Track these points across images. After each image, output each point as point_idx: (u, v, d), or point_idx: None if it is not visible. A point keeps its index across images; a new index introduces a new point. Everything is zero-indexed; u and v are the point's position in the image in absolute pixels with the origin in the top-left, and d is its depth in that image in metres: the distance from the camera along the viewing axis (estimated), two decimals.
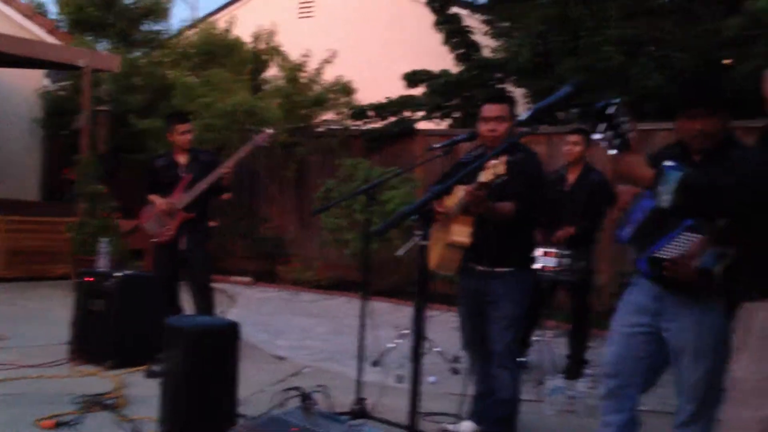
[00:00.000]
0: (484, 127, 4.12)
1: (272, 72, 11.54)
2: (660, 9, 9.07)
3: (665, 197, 2.24)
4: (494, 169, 3.50)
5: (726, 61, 8.18)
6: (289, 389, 3.86)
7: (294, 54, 11.18)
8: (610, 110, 2.29)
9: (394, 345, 6.07)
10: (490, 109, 4.12)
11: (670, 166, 2.27)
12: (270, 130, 6.00)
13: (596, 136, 2.34)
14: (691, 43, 8.61)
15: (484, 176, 3.53)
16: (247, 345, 6.33)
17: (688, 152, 3.17)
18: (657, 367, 3.41)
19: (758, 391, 2.20)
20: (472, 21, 11.37)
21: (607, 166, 5.71)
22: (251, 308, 8.65)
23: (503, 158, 3.41)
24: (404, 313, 8.16)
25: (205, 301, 5.85)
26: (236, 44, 11.19)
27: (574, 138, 5.93)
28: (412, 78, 10.81)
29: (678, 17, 8.85)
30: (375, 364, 5.53)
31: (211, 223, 6.47)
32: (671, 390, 3.35)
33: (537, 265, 5.46)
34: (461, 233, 3.96)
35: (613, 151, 2.35)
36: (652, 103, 8.41)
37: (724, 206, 2.24)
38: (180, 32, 12.81)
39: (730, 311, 2.45)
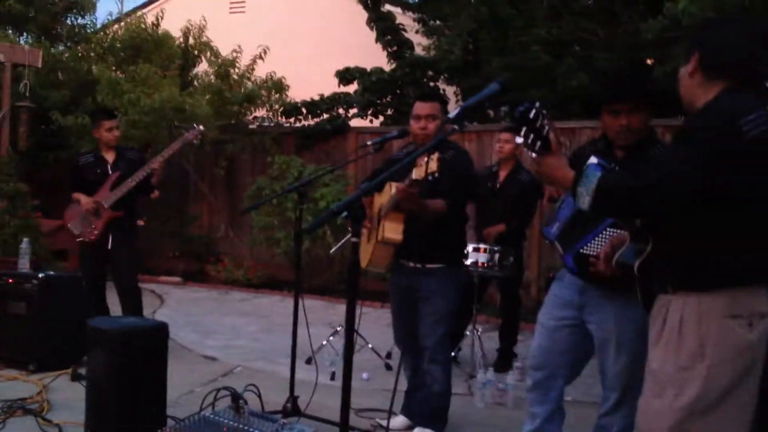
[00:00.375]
0: (415, 125, 4.15)
1: (202, 68, 11.36)
2: (585, 10, 9.27)
3: (584, 199, 2.27)
4: (427, 166, 3.52)
5: (648, 62, 8.40)
6: (220, 389, 3.81)
7: (225, 50, 11.03)
8: (531, 113, 2.30)
9: (326, 342, 6.06)
10: (421, 107, 4.16)
11: (591, 166, 2.30)
12: (200, 127, 5.92)
13: (519, 140, 2.36)
14: (615, 43, 8.83)
15: (416, 173, 3.56)
16: (177, 346, 6.24)
17: (612, 148, 3.26)
18: (581, 359, 3.50)
19: (674, 382, 2.25)
20: (404, 19, 11.42)
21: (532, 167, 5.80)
22: (181, 308, 8.52)
23: (436, 155, 3.44)
24: (337, 310, 8.16)
25: (132, 301, 5.74)
26: (164, 39, 10.95)
27: (505, 136, 6.02)
28: (345, 75, 10.80)
29: (602, 19, 9.05)
30: (308, 361, 5.51)
31: (139, 222, 6.34)
32: (595, 380, 3.45)
33: (468, 261, 5.53)
34: (393, 230, 3.98)
35: (534, 154, 2.37)
36: (577, 103, 8.59)
37: (638, 209, 2.29)
38: (106, 26, 12.50)
39: (646, 303, 2.50)
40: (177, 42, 11.16)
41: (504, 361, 5.90)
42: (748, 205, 2.21)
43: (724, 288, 2.24)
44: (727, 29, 2.44)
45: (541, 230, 6.57)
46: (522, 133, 2.33)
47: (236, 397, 3.67)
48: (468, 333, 5.97)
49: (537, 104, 2.32)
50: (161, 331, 4.02)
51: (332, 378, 5.35)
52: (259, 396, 4.02)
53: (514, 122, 2.36)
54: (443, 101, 4.36)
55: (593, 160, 2.44)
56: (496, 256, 5.61)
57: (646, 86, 3.39)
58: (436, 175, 3.53)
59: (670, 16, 7.47)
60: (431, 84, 10.61)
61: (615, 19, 9.07)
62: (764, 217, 2.24)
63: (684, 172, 2.16)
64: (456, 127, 2.58)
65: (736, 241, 2.23)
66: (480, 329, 6.14)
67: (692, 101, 2.40)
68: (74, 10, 12.71)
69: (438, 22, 11.05)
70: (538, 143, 2.34)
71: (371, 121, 11.01)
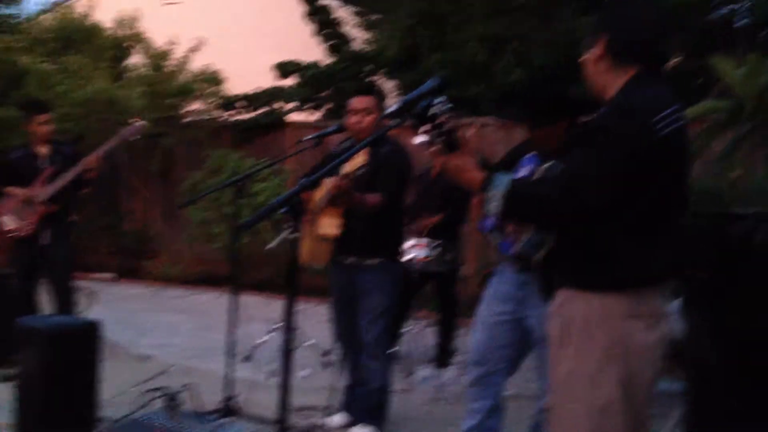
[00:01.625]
0: (350, 120, 4.15)
1: (135, 60, 11.12)
2: (522, 7, 9.36)
3: (494, 204, 2.18)
4: (357, 160, 3.54)
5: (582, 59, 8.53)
6: (154, 389, 3.74)
7: (159, 41, 10.81)
8: (434, 110, 2.18)
9: (265, 340, 6.00)
10: (356, 102, 4.17)
11: (501, 174, 2.22)
12: (141, 123, 5.78)
13: (419, 139, 2.22)
14: (551, 40, 8.95)
15: (348, 168, 3.57)
16: (110, 344, 6.05)
17: None
18: (521, 354, 3.53)
19: (587, 384, 2.22)
20: (342, 12, 11.37)
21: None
22: (114, 306, 8.30)
23: (365, 150, 3.45)
24: (276, 307, 8.02)
25: (65, 299, 5.58)
26: (96, 30, 10.69)
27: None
28: (283, 69, 10.71)
29: (539, 15, 9.16)
30: (246, 359, 5.45)
31: (73, 218, 6.17)
32: (535, 374, 3.48)
33: (407, 257, 5.54)
34: (330, 225, 3.98)
35: (436, 151, 2.23)
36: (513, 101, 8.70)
37: (549, 217, 2.22)
38: (35, 16, 12.13)
39: (546, 298, 2.45)
40: (109, 33, 10.90)
41: (443, 356, 5.92)
42: (651, 203, 2.17)
43: (628, 288, 2.21)
44: (633, 10, 2.34)
45: (477, 224, 6.58)
46: (423, 131, 2.20)
47: (171, 396, 3.61)
48: (407, 329, 5.98)
49: (440, 101, 2.20)
50: (93, 329, 3.92)
51: (270, 376, 5.29)
52: (195, 395, 3.95)
53: (414, 119, 2.20)
54: (379, 95, 4.36)
55: (528, 156, 2.42)
56: (435, 251, 5.63)
57: (560, 99, 3.28)
58: (364, 169, 3.54)
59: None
60: (370, 78, 10.59)
61: (552, 16, 9.19)
62: (664, 215, 2.22)
63: (597, 178, 2.11)
64: (396, 122, 2.56)
65: (639, 240, 2.19)
66: (419, 325, 6.15)
67: (601, 88, 2.33)
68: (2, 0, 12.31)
69: (376, 16, 11.04)
70: (443, 140, 2.21)
71: (311, 115, 10.94)
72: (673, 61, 8.84)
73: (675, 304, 3.77)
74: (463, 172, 2.24)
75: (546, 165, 2.33)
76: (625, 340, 2.21)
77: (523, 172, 2.30)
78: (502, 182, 2.17)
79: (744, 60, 4.35)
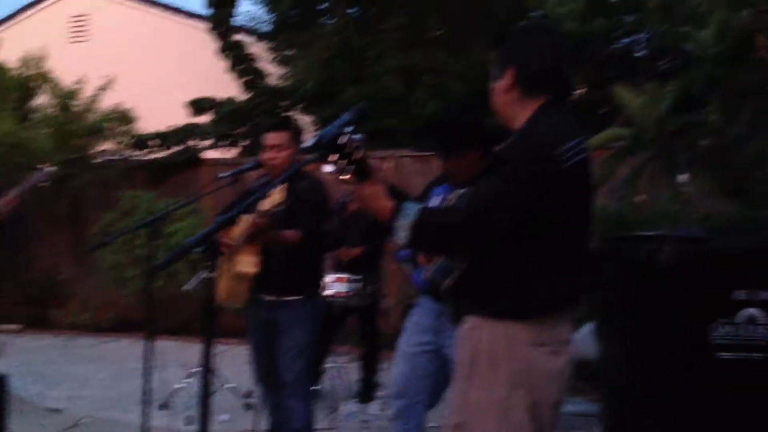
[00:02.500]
0: (266, 156, 4.12)
1: (42, 100, 10.81)
2: (435, 40, 9.54)
3: (401, 234, 2.19)
4: (275, 196, 3.53)
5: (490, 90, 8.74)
6: None
7: (67, 80, 10.54)
8: (342, 139, 2.16)
9: (183, 385, 5.83)
10: (269, 138, 4.15)
11: (410, 203, 2.24)
12: (50, 168, 5.61)
13: (327, 168, 2.18)
14: (464, 72, 9.14)
15: (266, 205, 3.54)
16: (17, 399, 5.80)
17: None
18: (442, 384, 3.54)
19: (496, 411, 2.23)
20: (256, 48, 11.33)
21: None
22: (21, 358, 7.90)
23: (282, 186, 3.43)
24: (194, 350, 7.77)
25: None
26: (0, 70, 10.37)
27: None
28: (197, 106, 10.56)
29: (452, 48, 9.35)
30: (163, 407, 5.28)
31: None
32: None
33: (328, 292, 5.50)
34: (247, 263, 3.93)
35: (345, 180, 2.20)
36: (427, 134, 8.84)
37: (455, 245, 2.24)
38: None
39: (456, 325, 2.44)
40: (14, 73, 10.58)
41: (367, 391, 5.88)
42: (556, 232, 2.21)
43: (532, 317, 2.24)
44: (539, 42, 2.38)
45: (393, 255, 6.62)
46: (331, 160, 2.16)
47: None
48: (330, 365, 5.93)
49: (348, 130, 2.18)
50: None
51: (189, 422, 5.13)
52: None
53: (321, 150, 2.17)
54: (294, 130, 4.35)
55: (438, 190, 2.43)
56: (356, 285, 5.62)
57: (472, 131, 3.31)
58: (282, 207, 3.53)
59: None
60: (287, 113, 10.57)
61: (465, 48, 9.39)
62: (568, 244, 2.26)
63: (500, 206, 2.15)
64: (311, 157, 2.56)
65: (543, 269, 2.23)
66: (341, 361, 6.09)
67: (509, 118, 2.37)
68: None
69: (292, 51, 11.05)
70: (352, 169, 2.18)
71: (227, 152, 10.81)
72: (578, 92, 9.16)
73: (587, 327, 3.87)
74: (373, 200, 2.24)
75: (457, 193, 2.36)
76: (531, 368, 2.24)
77: (434, 201, 2.33)
78: (411, 211, 2.18)
79: (643, 89, 4.54)
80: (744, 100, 3.51)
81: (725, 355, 3.11)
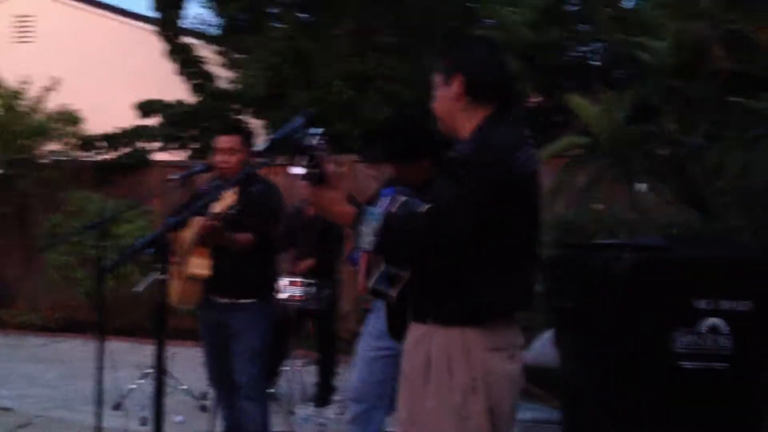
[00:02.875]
0: (217, 159, 4.12)
1: None
2: (386, 46, 9.55)
3: (366, 239, 2.17)
4: (227, 199, 3.52)
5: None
6: None
7: (11, 81, 10.31)
8: (311, 141, 2.17)
9: (135, 386, 5.76)
10: (221, 141, 4.14)
11: (370, 209, 2.24)
12: None
13: (296, 170, 2.19)
14: (414, 79, 9.17)
15: (218, 207, 3.53)
16: None
17: None
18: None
19: (454, 417, 2.24)
20: (206, 51, 11.23)
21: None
22: None
23: (234, 189, 3.42)
24: (146, 351, 7.74)
25: None
26: None
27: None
28: (146, 107, 10.44)
29: (403, 55, 9.38)
30: (116, 407, 5.21)
31: None
32: None
33: (283, 295, 5.48)
34: (199, 265, 3.92)
35: (308, 184, 2.21)
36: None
37: (420, 249, 2.23)
38: None
39: (395, 332, 2.47)
40: None
41: (323, 395, 5.88)
42: (508, 238, 2.24)
43: (486, 322, 2.26)
44: (486, 51, 2.43)
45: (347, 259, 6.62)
46: (300, 163, 2.17)
47: None
48: (286, 368, 5.89)
49: (316, 132, 2.19)
50: None
51: (143, 423, 5.07)
52: None
53: (290, 151, 2.19)
54: (246, 134, 4.33)
55: (386, 193, 2.41)
56: (312, 289, 5.59)
57: (407, 138, 3.35)
58: (233, 210, 3.51)
59: None
60: (237, 117, 10.48)
61: (413, 55, 9.42)
62: (519, 249, 2.29)
63: (461, 211, 2.17)
64: (264, 160, 2.54)
65: (496, 274, 2.25)
66: (298, 364, 6.07)
67: (455, 126, 2.38)
68: None
69: (241, 55, 10.97)
70: (316, 173, 2.20)
71: (176, 155, 10.69)
72: (533, 100, 9.27)
73: (546, 335, 3.90)
74: (333, 205, 2.22)
75: (402, 199, 2.35)
76: (488, 373, 2.25)
77: (381, 203, 2.32)
78: (373, 216, 2.17)
79: (599, 98, 4.60)
80: (701, 111, 3.59)
81: (686, 364, 3.13)
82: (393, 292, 2.36)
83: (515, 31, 7.63)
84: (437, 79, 2.42)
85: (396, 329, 2.46)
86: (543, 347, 3.98)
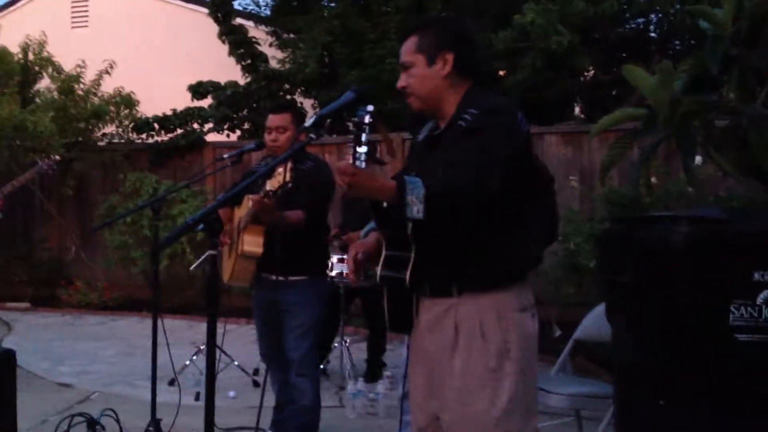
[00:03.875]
0: (267, 137, 4.16)
1: (44, 84, 10.78)
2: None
3: (416, 207, 2.13)
4: (279, 177, 3.52)
5: (500, 73, 8.67)
6: (74, 416, 3.59)
7: (69, 65, 10.52)
8: (371, 118, 2.17)
9: (189, 362, 5.87)
10: (271, 120, 4.18)
11: (408, 175, 2.22)
12: (56, 157, 5.65)
13: (362, 150, 2.14)
14: None
15: (270, 184, 3.55)
16: (27, 374, 5.89)
17: None
18: None
19: (485, 385, 2.28)
20: (257, 32, 11.29)
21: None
22: (30, 335, 8.01)
23: (289, 166, 3.43)
24: (200, 329, 7.84)
25: None
26: (2, 55, 10.32)
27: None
28: (198, 89, 10.55)
29: None
30: (171, 383, 5.31)
31: None
32: None
33: (333, 272, 5.50)
34: (252, 243, 3.94)
35: (363, 164, 2.16)
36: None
37: (466, 207, 2.25)
38: None
39: (396, 316, 2.52)
40: (16, 58, 10.55)
41: (373, 371, 5.90)
42: (522, 197, 2.34)
43: (513, 284, 2.33)
44: (469, 31, 2.54)
45: None
46: (363, 140, 2.16)
47: (92, 423, 3.47)
48: (336, 345, 5.94)
49: (370, 108, 2.20)
50: (7, 359, 3.75)
51: (197, 398, 5.18)
52: (118, 421, 3.82)
53: (355, 129, 2.18)
54: (296, 111, 4.36)
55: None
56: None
57: None
58: (289, 185, 3.52)
59: (518, 28, 7.78)
60: (288, 97, 10.53)
61: None
62: (528, 208, 2.38)
63: (489, 168, 2.22)
64: (313, 136, 2.54)
65: (517, 235, 2.33)
66: (348, 340, 6.12)
67: (438, 100, 2.45)
68: None
69: (291, 35, 11.00)
70: (371, 152, 2.19)
71: (228, 136, 10.81)
72: (588, 73, 9.09)
73: (598, 309, 3.84)
74: (372, 181, 2.19)
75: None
76: (518, 333, 2.32)
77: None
78: (416, 184, 2.15)
79: (655, 68, 4.48)
80: (761, 79, 3.48)
81: (743, 337, 3.07)
82: (405, 275, 2.36)
83: (569, 3, 7.46)
84: (413, 59, 2.46)
85: (402, 319, 2.48)
86: (595, 322, 3.93)
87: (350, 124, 2.42)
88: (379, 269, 2.47)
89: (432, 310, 2.39)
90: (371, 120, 2.18)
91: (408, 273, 2.35)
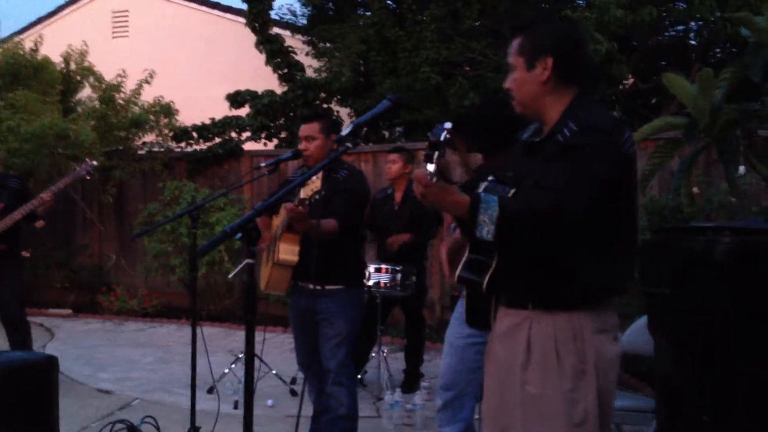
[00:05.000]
0: (300, 146, 4.19)
1: (85, 93, 10.97)
2: (472, 32, 9.46)
3: (487, 228, 2.10)
4: (313, 185, 3.54)
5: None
6: (115, 423, 3.63)
7: (109, 75, 10.69)
8: (445, 137, 2.10)
9: (228, 370, 5.90)
10: (301, 129, 4.22)
11: (486, 191, 2.22)
12: (93, 162, 5.72)
13: (429, 167, 2.09)
14: (501, 63, 9.04)
15: (303, 193, 3.56)
16: (69, 380, 5.98)
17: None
18: None
19: (561, 404, 2.22)
20: (293, 41, 11.37)
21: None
22: (72, 341, 8.14)
23: (320, 174, 3.45)
24: (238, 337, 7.96)
25: (19, 335, 5.49)
26: (44, 65, 10.52)
27: (392, 156, 6.06)
28: (236, 99, 10.66)
29: (490, 39, 9.26)
30: (210, 391, 5.35)
31: (24, 254, 6.04)
32: None
33: (370, 282, 5.50)
34: (288, 251, 3.96)
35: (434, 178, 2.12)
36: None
37: (542, 232, 2.18)
38: None
39: (475, 320, 2.47)
40: (58, 68, 10.75)
41: (411, 381, 5.88)
42: (613, 220, 2.23)
43: (594, 304, 2.25)
44: (571, 31, 2.40)
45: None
46: (435, 158, 2.10)
47: (132, 429, 3.50)
48: (373, 355, 5.93)
49: (447, 125, 2.13)
50: (50, 365, 3.80)
51: (235, 407, 5.21)
52: (158, 428, 3.86)
53: (429, 147, 2.11)
54: (328, 121, 4.38)
55: (490, 178, 2.37)
56: (399, 275, 5.60)
57: (499, 129, 3.28)
58: (322, 193, 3.53)
59: None
60: (324, 106, 10.59)
61: (502, 40, 9.29)
62: (619, 230, 2.27)
63: (583, 190, 2.14)
64: (349, 144, 2.54)
65: (601, 256, 2.23)
66: (385, 350, 6.11)
67: (540, 108, 2.35)
68: None
69: (327, 44, 11.05)
70: (442, 169, 2.14)
71: (265, 144, 10.89)
72: (627, 82, 8.99)
73: (640, 321, 3.79)
74: (447, 194, 2.14)
75: (484, 184, 2.32)
76: (596, 355, 2.23)
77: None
78: (490, 204, 2.11)
79: (696, 77, 4.42)
80: None
81: None
82: (483, 280, 2.32)
83: (607, 11, 7.39)
84: (515, 61, 2.37)
85: (478, 317, 2.43)
86: (636, 334, 3.87)
87: (432, 143, 2.38)
88: (458, 270, 2.45)
89: (507, 319, 2.35)
90: (447, 137, 2.12)
91: (486, 279, 2.32)
